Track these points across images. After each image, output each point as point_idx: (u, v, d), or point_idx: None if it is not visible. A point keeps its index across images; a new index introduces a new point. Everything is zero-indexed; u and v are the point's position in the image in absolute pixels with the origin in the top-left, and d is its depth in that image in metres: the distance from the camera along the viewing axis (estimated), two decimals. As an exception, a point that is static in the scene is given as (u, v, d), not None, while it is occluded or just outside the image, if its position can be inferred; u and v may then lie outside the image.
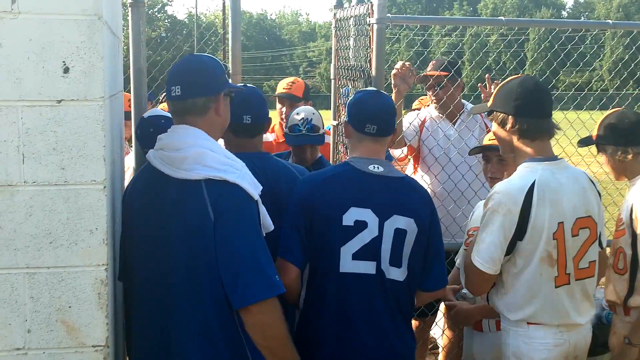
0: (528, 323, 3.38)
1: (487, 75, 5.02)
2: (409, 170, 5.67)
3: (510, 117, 3.40)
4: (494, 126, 3.52)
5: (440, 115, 5.32)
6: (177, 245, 2.81)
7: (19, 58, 2.52)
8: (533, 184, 3.29)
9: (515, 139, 3.43)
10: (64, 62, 2.54)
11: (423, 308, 5.06)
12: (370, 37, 4.39)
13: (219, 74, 3.01)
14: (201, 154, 2.81)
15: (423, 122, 5.38)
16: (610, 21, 5.11)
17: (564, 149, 5.34)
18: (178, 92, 2.90)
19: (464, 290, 4.00)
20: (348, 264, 3.24)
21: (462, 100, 5.44)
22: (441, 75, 5.16)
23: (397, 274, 3.29)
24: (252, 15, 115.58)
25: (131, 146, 4.05)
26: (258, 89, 3.84)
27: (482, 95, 4.97)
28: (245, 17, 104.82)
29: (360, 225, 3.25)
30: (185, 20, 77.38)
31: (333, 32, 5.43)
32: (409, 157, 5.56)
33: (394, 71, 4.80)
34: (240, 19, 4.57)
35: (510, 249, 3.33)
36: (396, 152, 5.62)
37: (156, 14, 63.84)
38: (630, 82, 6.40)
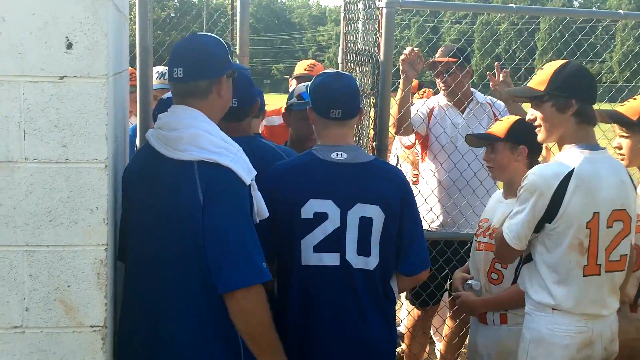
0: (553, 309, 3.37)
1: (496, 63, 4.97)
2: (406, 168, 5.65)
3: (574, 101, 3.35)
4: (547, 111, 3.43)
5: (449, 102, 5.28)
6: (167, 227, 2.78)
7: (21, 33, 2.48)
8: (571, 172, 3.27)
9: (571, 125, 3.39)
10: (67, 37, 2.51)
11: (425, 297, 5.05)
12: (379, 21, 4.34)
13: (222, 56, 2.96)
14: (197, 135, 2.78)
15: (431, 109, 5.33)
16: (621, 11, 5.07)
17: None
18: (180, 74, 2.86)
19: (471, 281, 3.98)
20: (310, 257, 3.21)
21: (471, 88, 5.39)
22: (450, 61, 5.11)
23: (366, 263, 3.24)
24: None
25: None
26: (246, 70, 3.77)
27: (490, 83, 4.92)
28: (255, 0, 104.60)
29: (321, 217, 3.20)
30: (195, 0, 77.20)
31: (342, 15, 5.39)
32: (417, 144, 5.52)
33: (402, 57, 4.76)
34: (249, 1, 4.53)
35: (539, 228, 3.35)
36: (403, 139, 5.59)
37: (166, -7, 63.72)
38: (640, 75, 6.35)
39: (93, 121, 2.56)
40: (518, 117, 3.97)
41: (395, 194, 3.29)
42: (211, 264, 2.72)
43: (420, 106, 5.36)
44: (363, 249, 3.23)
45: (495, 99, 5.19)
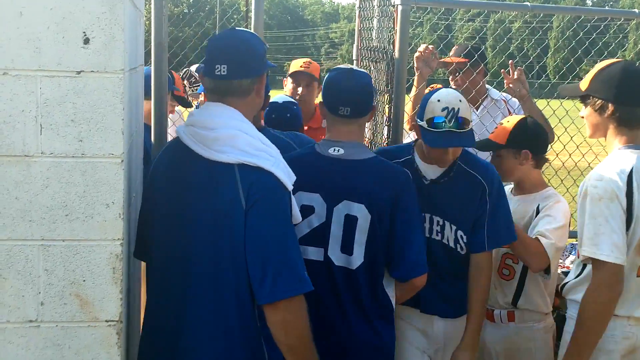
0: None
1: (510, 61, 4.95)
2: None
3: (610, 104, 3.29)
4: (587, 111, 3.41)
5: None
6: (201, 229, 2.72)
7: (38, 27, 2.48)
8: (632, 171, 3.19)
9: (612, 127, 3.33)
10: (84, 32, 2.51)
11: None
12: (394, 18, 4.33)
13: (263, 54, 2.92)
14: (234, 136, 2.71)
15: None
16: (636, 10, 5.05)
17: (585, 138, 5.30)
18: (224, 71, 2.78)
19: None
20: None
21: (487, 85, 5.37)
22: (462, 61, 5.09)
23: (348, 262, 3.20)
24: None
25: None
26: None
27: (505, 81, 4.90)
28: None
29: (308, 211, 3.17)
30: (208, -3, 77.15)
31: (357, 12, 5.38)
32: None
33: (416, 54, 4.74)
34: (264, -3, 4.53)
35: None
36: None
37: (179, -10, 63.76)
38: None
39: (109, 116, 2.56)
40: (519, 119, 3.93)
41: (385, 194, 3.20)
42: (252, 272, 2.65)
43: None
44: (346, 247, 3.20)
45: (510, 96, 5.18)
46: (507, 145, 3.83)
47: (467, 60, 5.06)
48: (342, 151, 3.24)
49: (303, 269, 2.70)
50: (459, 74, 5.13)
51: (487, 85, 5.38)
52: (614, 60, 3.48)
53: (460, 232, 3.58)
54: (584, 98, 3.41)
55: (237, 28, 3.06)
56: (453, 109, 3.37)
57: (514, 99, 5.09)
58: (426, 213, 3.51)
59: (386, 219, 3.19)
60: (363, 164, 3.26)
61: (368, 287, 3.25)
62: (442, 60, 5.26)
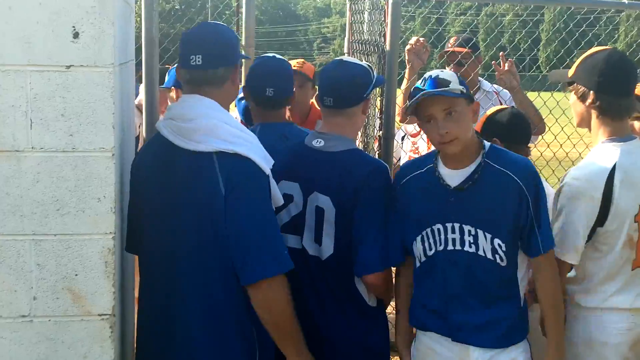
0: (601, 309, 3.28)
1: (501, 53, 4.96)
2: (422, 146, 5.63)
3: (591, 92, 3.27)
4: (572, 98, 3.41)
5: None
6: (186, 218, 2.77)
7: (28, 22, 2.49)
8: (614, 167, 3.17)
9: (594, 117, 3.31)
10: (73, 27, 2.51)
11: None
12: (385, 11, 4.34)
13: (236, 44, 3.00)
14: (214, 126, 2.76)
15: None
16: (625, 1, 5.05)
17: (576, 129, 5.32)
18: (199, 61, 2.84)
19: None
20: None
21: (479, 77, 5.39)
22: (459, 51, 5.12)
23: (319, 252, 3.21)
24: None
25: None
26: (287, 62, 3.79)
27: (496, 73, 4.92)
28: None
29: (287, 199, 3.19)
30: (200, -8, 77.05)
31: (348, 5, 5.39)
32: (423, 132, 5.51)
33: (407, 47, 4.75)
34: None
35: (590, 235, 3.22)
36: (409, 128, 5.58)
37: (170, -14, 63.63)
38: (644, 64, 6.33)
39: (100, 110, 2.57)
40: (497, 109, 3.94)
41: (349, 188, 3.16)
42: (235, 255, 2.71)
43: None
44: (317, 238, 3.22)
45: (501, 88, 5.20)
46: (482, 133, 3.85)
47: (470, 50, 5.07)
48: (322, 143, 3.25)
49: (283, 248, 2.79)
50: (452, 65, 5.15)
51: (479, 77, 5.39)
52: (601, 48, 3.45)
53: (497, 241, 3.04)
54: (571, 85, 3.40)
55: (211, 22, 3.13)
56: (430, 75, 3.07)
57: (505, 91, 5.11)
58: (454, 223, 3.09)
59: (348, 213, 3.17)
60: (336, 156, 3.24)
61: (339, 279, 3.25)
62: (446, 50, 5.27)
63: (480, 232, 3.06)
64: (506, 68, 4.82)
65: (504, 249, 3.04)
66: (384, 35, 4.32)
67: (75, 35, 2.51)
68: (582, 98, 3.31)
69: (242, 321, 2.82)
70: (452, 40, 5.44)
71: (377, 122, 4.50)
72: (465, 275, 3.08)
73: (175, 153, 2.79)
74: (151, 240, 2.89)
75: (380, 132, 4.34)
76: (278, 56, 3.76)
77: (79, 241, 2.62)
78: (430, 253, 3.14)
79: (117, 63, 2.65)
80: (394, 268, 3.39)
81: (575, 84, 3.36)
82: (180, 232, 2.78)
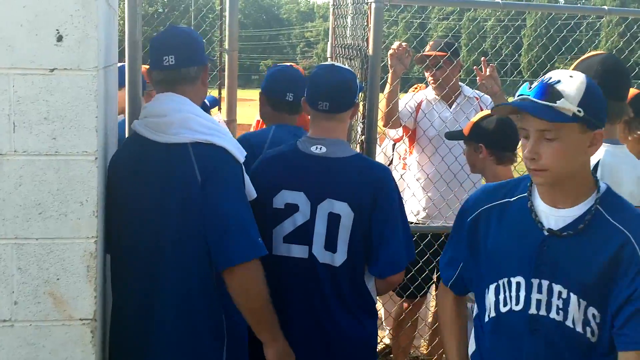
0: None
1: (483, 58, 4.99)
2: (402, 151, 5.65)
3: None
4: None
5: (437, 96, 5.31)
6: (165, 209, 2.83)
7: (11, 25, 2.48)
8: (597, 164, 3.20)
9: None
10: (57, 30, 2.51)
11: (413, 289, 5.08)
12: (368, 16, 4.35)
13: (203, 46, 3.14)
14: (187, 118, 2.86)
15: (419, 103, 5.35)
16: (605, 7, 5.11)
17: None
18: (172, 61, 2.95)
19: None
20: (280, 247, 3.22)
21: (460, 82, 5.42)
22: (438, 55, 5.14)
23: (332, 259, 3.22)
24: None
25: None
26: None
27: (477, 78, 4.94)
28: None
29: (291, 209, 3.20)
30: (183, -4, 76.88)
31: (331, 10, 5.40)
32: (405, 137, 5.53)
33: (390, 51, 4.77)
34: (238, -6, 4.53)
35: None
36: (391, 132, 5.60)
37: (154, -11, 63.50)
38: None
39: (83, 114, 2.56)
40: (485, 114, 3.98)
41: (366, 192, 3.21)
42: (211, 241, 2.78)
43: (408, 100, 5.38)
44: (330, 245, 3.22)
45: (482, 93, 5.23)
46: (468, 137, 3.89)
47: (446, 53, 5.10)
48: (324, 149, 3.26)
49: (257, 234, 2.84)
50: (435, 69, 5.17)
51: (460, 83, 5.42)
52: (597, 52, 3.49)
53: (592, 310, 2.38)
54: None
55: (177, 25, 3.25)
56: (543, 79, 2.39)
57: (487, 96, 5.14)
58: (542, 279, 2.44)
59: (366, 216, 3.21)
60: (345, 162, 3.27)
61: (351, 282, 3.28)
62: (422, 54, 5.30)
63: (573, 297, 2.40)
64: (488, 73, 4.85)
65: (598, 320, 2.39)
66: (367, 40, 4.34)
67: (59, 38, 2.51)
68: None
69: (214, 311, 2.89)
70: (431, 44, 5.46)
71: (360, 126, 4.52)
72: (545, 347, 2.46)
73: (151, 148, 2.88)
74: (131, 237, 2.92)
75: (363, 136, 4.36)
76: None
77: (61, 245, 2.61)
78: (503, 310, 2.53)
79: (101, 66, 2.65)
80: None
81: None
82: (160, 225, 2.84)
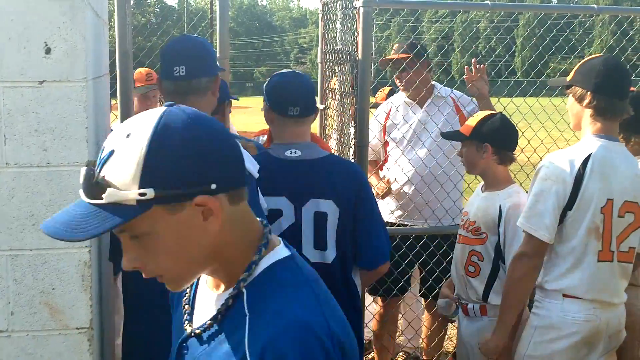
0: (564, 295, 3.41)
1: (473, 60, 5.01)
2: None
3: (588, 93, 3.44)
4: (570, 100, 3.57)
5: (407, 98, 5.28)
6: None
7: (0, 38, 2.50)
8: (589, 156, 3.35)
9: (588, 115, 3.46)
10: (45, 42, 2.53)
11: (390, 284, 5.06)
12: (357, 20, 4.38)
13: (215, 57, 3.10)
14: None
15: (388, 113, 5.33)
16: (594, 6, 5.12)
17: (549, 133, 5.39)
18: (183, 72, 2.93)
19: (440, 301, 4.05)
20: None
21: (433, 82, 5.40)
22: (401, 58, 5.12)
23: (323, 257, 3.28)
24: (243, 1, 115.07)
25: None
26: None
27: (465, 78, 4.95)
28: (235, 3, 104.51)
29: (275, 214, 3.24)
30: (175, 5, 77.01)
31: (320, 15, 5.42)
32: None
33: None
34: (228, 2, 4.55)
35: (562, 218, 3.37)
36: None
37: (146, -1, 63.56)
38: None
39: (73, 125, 2.58)
40: (486, 114, 4.00)
41: (349, 188, 3.31)
42: None
43: (377, 114, 5.39)
44: (319, 244, 3.27)
45: (461, 94, 5.25)
46: (470, 137, 3.91)
47: (409, 55, 5.08)
48: (299, 152, 3.32)
49: None
50: (397, 71, 5.17)
51: (434, 82, 5.41)
52: (598, 54, 3.70)
53: None
54: (569, 88, 3.58)
55: (189, 35, 3.20)
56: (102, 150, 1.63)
57: (466, 97, 5.16)
58: None
59: (350, 211, 3.28)
60: (323, 161, 3.35)
61: (342, 278, 3.34)
62: (383, 58, 5.33)
63: None
64: (478, 74, 4.86)
65: None
66: (356, 45, 4.36)
67: (47, 50, 2.53)
68: (580, 99, 3.50)
69: None
70: (395, 47, 5.46)
71: (352, 130, 4.54)
72: None
73: None
74: None
75: (355, 139, 4.38)
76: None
77: (55, 255, 2.63)
78: None
79: (90, 77, 2.67)
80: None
81: (573, 87, 3.54)
82: None
